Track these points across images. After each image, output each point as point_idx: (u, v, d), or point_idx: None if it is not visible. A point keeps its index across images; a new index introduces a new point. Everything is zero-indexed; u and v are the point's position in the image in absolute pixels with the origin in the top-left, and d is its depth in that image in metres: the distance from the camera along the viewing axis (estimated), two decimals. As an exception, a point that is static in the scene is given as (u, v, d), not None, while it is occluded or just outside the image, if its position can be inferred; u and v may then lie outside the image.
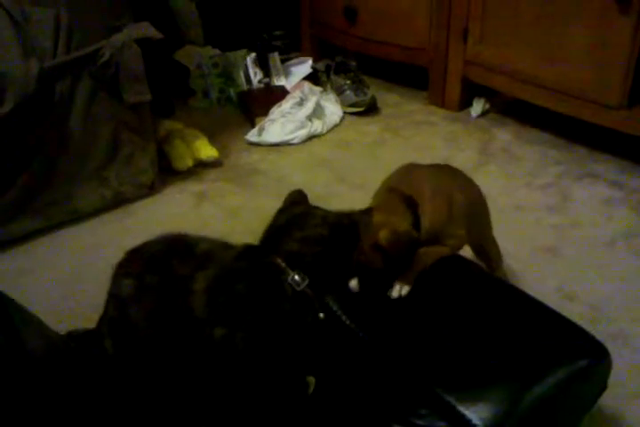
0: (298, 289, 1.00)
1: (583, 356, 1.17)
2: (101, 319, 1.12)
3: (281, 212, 1.13)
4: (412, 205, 1.27)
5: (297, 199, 1.16)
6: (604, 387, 1.22)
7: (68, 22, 1.93)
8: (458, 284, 1.36)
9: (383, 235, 1.16)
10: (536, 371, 1.14)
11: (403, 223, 1.23)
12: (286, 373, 1.10)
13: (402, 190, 1.30)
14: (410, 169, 1.46)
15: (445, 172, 1.46)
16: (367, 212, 1.12)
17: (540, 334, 1.22)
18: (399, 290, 1.26)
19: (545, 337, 1.21)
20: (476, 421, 1.07)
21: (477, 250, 1.53)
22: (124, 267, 1.06)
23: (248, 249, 1.07)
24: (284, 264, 1.02)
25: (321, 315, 1.06)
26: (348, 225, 1.08)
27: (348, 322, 1.29)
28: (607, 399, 1.37)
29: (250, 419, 1.10)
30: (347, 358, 1.25)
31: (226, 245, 1.08)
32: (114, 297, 1.05)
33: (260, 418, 1.10)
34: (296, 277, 1.01)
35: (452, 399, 1.11)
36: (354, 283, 1.23)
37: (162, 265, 1.02)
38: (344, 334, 1.28)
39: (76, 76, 1.99)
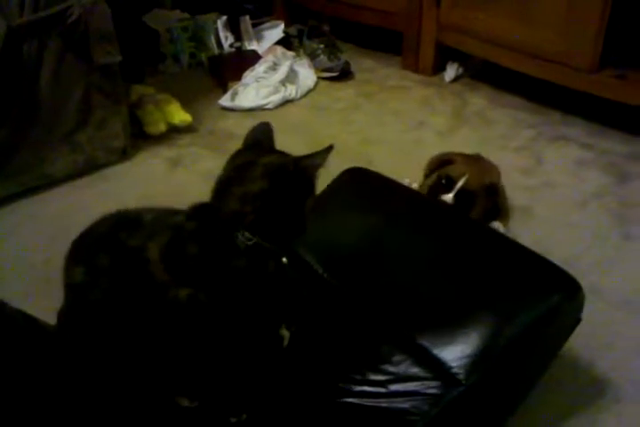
0: (250, 244, 0.98)
1: (556, 291, 1.19)
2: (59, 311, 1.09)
3: (231, 160, 1.06)
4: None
5: (256, 138, 1.08)
6: (577, 320, 1.25)
7: (35, -20, 1.87)
8: (431, 228, 1.38)
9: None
10: (509, 309, 1.17)
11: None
12: (258, 326, 1.09)
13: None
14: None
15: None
16: (327, 150, 1.01)
17: (511, 272, 1.24)
18: (497, 227, 1.71)
19: (517, 274, 1.23)
20: (451, 363, 1.10)
21: None
22: (73, 255, 1.03)
23: (196, 210, 1.03)
24: (230, 223, 0.99)
25: (284, 259, 1.05)
26: (293, 171, 1.01)
27: (320, 271, 1.31)
28: (580, 351, 1.43)
29: (228, 381, 1.11)
30: (319, 307, 1.26)
31: (173, 212, 1.04)
32: (68, 287, 1.02)
33: (238, 378, 1.11)
34: (246, 233, 0.98)
35: (425, 342, 1.14)
36: (449, 197, 1.58)
37: (110, 243, 0.99)
38: (316, 281, 1.30)
39: (45, 37, 1.93)
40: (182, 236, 0.99)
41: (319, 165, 1.02)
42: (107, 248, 0.99)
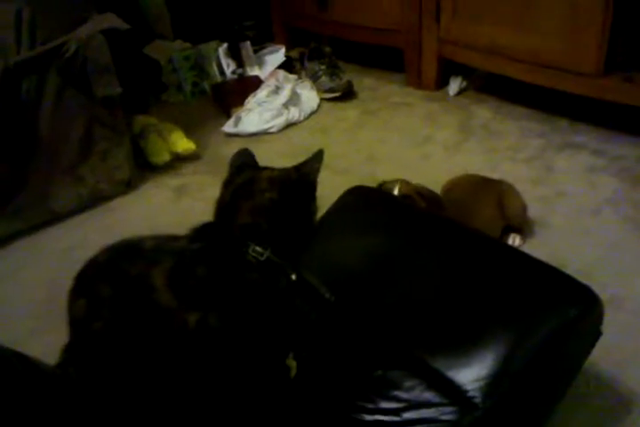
0: (262, 259, 0.97)
1: (572, 304, 1.13)
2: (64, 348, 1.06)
3: (226, 184, 1.07)
4: None
5: (242, 161, 1.10)
6: (598, 333, 1.19)
7: (31, 17, 1.89)
8: (439, 245, 1.33)
9: None
10: (525, 326, 1.11)
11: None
12: (267, 355, 1.06)
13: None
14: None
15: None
16: (319, 154, 1.05)
17: (525, 286, 1.18)
18: (513, 240, 1.78)
19: (531, 288, 1.18)
20: (466, 386, 1.04)
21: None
22: (75, 289, 1.00)
23: (199, 231, 1.02)
24: (241, 237, 0.98)
25: (293, 276, 1.02)
26: (297, 179, 1.04)
27: (326, 294, 1.26)
28: (604, 364, 1.36)
29: (236, 412, 1.06)
30: (326, 332, 1.21)
31: (174, 237, 1.03)
32: (72, 322, 1.00)
33: (247, 409, 1.07)
34: (257, 248, 0.97)
35: (438, 365, 1.08)
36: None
37: (111, 273, 0.97)
38: (322, 305, 1.25)
39: (43, 73, 1.94)
40: (188, 258, 0.97)
41: (318, 169, 1.06)
42: (108, 278, 0.97)
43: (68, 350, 1.06)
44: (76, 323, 1.00)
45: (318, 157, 1.05)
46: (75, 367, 1.04)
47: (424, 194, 1.67)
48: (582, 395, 1.30)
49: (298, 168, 1.05)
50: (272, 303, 1.01)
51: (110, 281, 0.97)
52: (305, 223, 1.06)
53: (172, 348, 0.95)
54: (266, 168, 1.08)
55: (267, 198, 1.01)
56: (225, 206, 1.04)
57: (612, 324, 1.21)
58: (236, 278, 0.97)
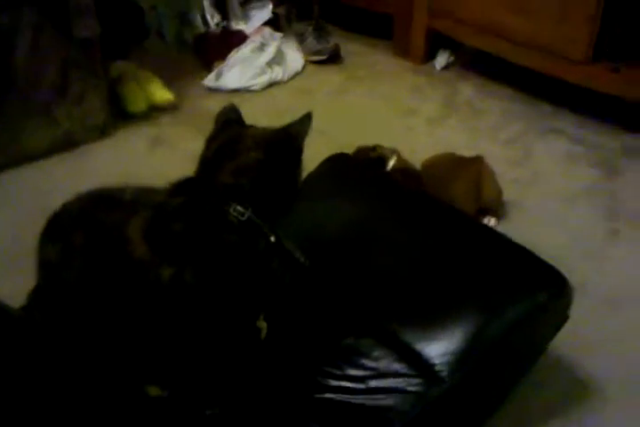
0: (242, 219, 0.95)
1: (544, 287, 1.16)
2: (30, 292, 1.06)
3: (211, 140, 1.04)
4: None
5: (228, 117, 1.06)
6: (565, 317, 1.22)
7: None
8: (416, 218, 1.34)
9: None
10: (496, 305, 1.13)
11: None
12: (239, 315, 1.05)
13: None
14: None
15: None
16: (308, 116, 1.02)
17: (499, 266, 1.20)
18: (487, 221, 1.78)
19: (505, 269, 1.20)
20: (434, 360, 1.06)
21: None
22: (48, 233, 0.98)
23: (180, 186, 1.00)
24: (223, 196, 0.96)
25: (272, 238, 1.00)
26: (285, 140, 1.01)
27: (301, 259, 1.25)
28: (565, 350, 1.39)
29: (203, 370, 1.06)
30: (299, 296, 1.21)
31: (152, 190, 1.01)
32: (42, 265, 0.98)
33: (214, 368, 1.06)
34: (238, 207, 0.95)
35: (407, 337, 1.09)
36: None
37: (87, 221, 0.95)
38: (297, 270, 1.24)
39: (21, 8, 1.86)
40: (167, 212, 0.95)
41: (306, 133, 1.03)
42: (83, 226, 0.95)
43: (35, 294, 1.04)
44: (45, 267, 0.98)
45: (306, 120, 1.03)
46: (40, 312, 1.02)
47: (409, 170, 1.67)
48: (542, 378, 1.33)
49: (286, 129, 1.02)
50: (248, 265, 0.99)
51: (84, 229, 0.95)
52: (288, 186, 1.04)
53: (143, 301, 0.94)
54: (252, 126, 1.06)
55: (252, 158, 0.99)
56: (208, 163, 1.01)
57: (576, 309, 1.23)
58: (215, 239, 0.95)
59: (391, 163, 1.66)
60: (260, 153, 0.99)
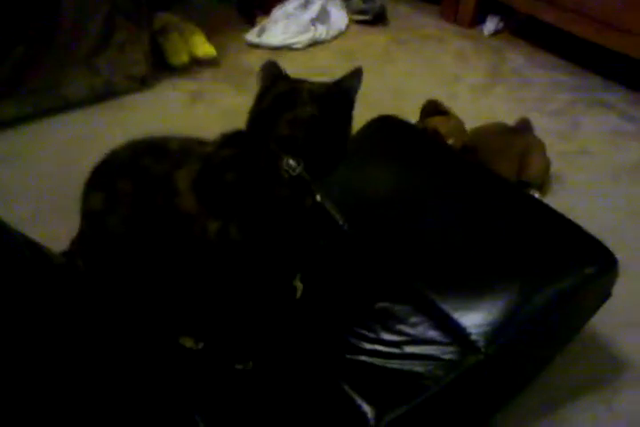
0: (294, 174, 0.94)
1: (590, 262, 1.13)
2: (74, 240, 1.05)
3: (264, 92, 1.02)
4: None
5: (275, 73, 1.04)
6: (607, 295, 1.20)
7: None
8: (462, 186, 1.31)
9: None
10: (540, 278, 1.11)
11: None
12: (279, 270, 1.05)
13: None
14: None
15: None
16: (358, 71, 1.00)
17: (545, 239, 1.17)
18: (533, 193, 1.75)
19: (551, 242, 1.17)
20: (471, 329, 1.05)
21: None
22: (93, 181, 0.97)
23: (230, 138, 0.98)
24: (277, 149, 0.94)
25: (318, 197, 0.99)
26: (338, 95, 0.99)
27: (340, 221, 1.25)
28: (601, 328, 1.37)
29: (238, 324, 1.06)
30: (337, 258, 1.20)
31: (200, 141, 0.99)
32: (86, 213, 0.97)
33: (249, 323, 1.06)
34: (290, 161, 0.94)
35: (446, 306, 1.08)
36: None
37: (134, 169, 0.94)
38: (335, 232, 1.23)
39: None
40: (217, 164, 0.94)
41: (357, 88, 1.01)
42: (129, 174, 0.94)
43: (78, 241, 1.04)
44: (90, 215, 0.97)
45: (357, 74, 1.00)
46: (83, 259, 1.03)
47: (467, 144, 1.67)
48: (576, 354, 1.31)
49: (338, 84, 1.00)
50: (294, 222, 0.98)
51: (131, 177, 0.94)
52: (339, 143, 1.02)
53: (187, 252, 0.94)
54: (305, 81, 1.03)
55: (308, 112, 0.97)
56: (261, 115, 0.99)
57: (617, 288, 1.20)
58: (266, 192, 0.94)
59: (449, 141, 1.65)
60: (315, 108, 0.97)
